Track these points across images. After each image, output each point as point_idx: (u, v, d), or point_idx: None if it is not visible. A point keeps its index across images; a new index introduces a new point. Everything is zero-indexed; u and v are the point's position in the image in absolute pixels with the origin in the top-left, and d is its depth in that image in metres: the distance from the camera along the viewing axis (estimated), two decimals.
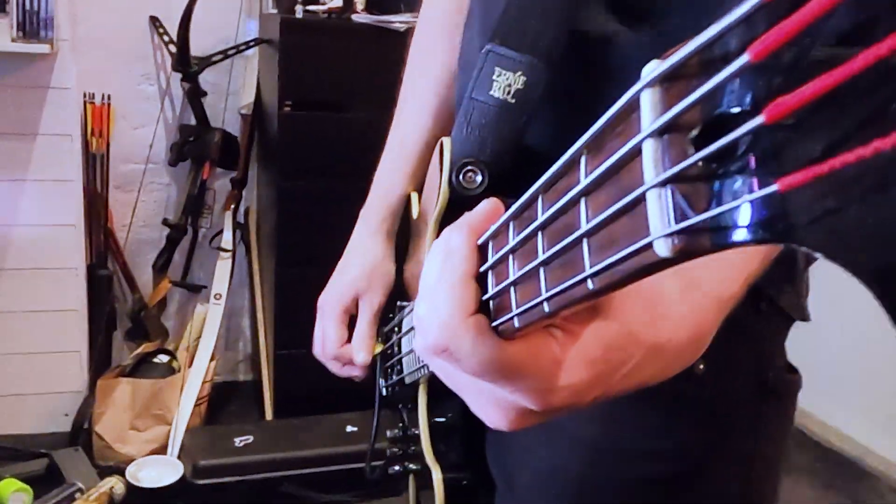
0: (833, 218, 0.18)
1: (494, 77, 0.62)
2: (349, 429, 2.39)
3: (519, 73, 0.62)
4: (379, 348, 0.90)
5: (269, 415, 2.62)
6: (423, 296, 0.42)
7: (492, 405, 0.44)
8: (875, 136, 0.17)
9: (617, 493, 0.70)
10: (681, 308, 0.44)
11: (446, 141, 0.69)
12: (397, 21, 2.40)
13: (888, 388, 2.68)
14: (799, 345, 0.69)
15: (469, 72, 0.65)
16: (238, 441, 2.31)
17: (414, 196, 0.90)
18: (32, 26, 2.26)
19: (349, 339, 0.91)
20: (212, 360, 2.57)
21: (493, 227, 0.39)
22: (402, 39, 2.45)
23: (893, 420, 2.68)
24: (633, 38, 0.60)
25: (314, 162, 2.49)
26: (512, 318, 0.37)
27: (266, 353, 2.72)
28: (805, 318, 0.71)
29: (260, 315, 2.80)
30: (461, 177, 0.66)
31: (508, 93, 0.62)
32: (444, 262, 0.41)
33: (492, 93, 0.63)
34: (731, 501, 0.71)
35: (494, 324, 0.39)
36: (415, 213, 0.89)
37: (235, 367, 3.01)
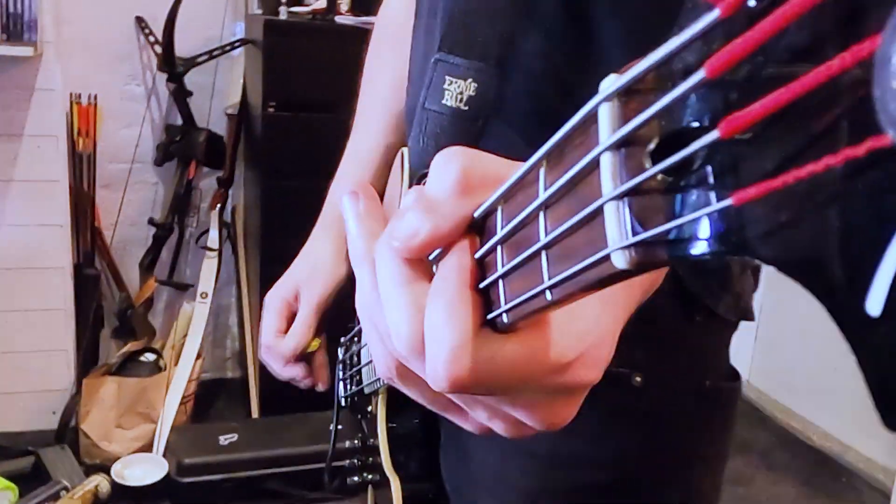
0: (786, 232, 0.19)
1: (445, 86, 0.62)
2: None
3: (469, 79, 0.62)
4: (316, 345, 0.88)
5: (255, 412, 2.65)
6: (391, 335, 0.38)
7: (552, 403, 0.40)
8: (826, 153, 0.17)
9: (563, 502, 0.72)
10: None
11: (406, 152, 0.70)
12: None
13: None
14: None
15: (420, 82, 0.65)
16: (223, 439, 2.33)
17: None
18: (16, 28, 2.27)
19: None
20: (198, 358, 2.59)
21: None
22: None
23: (873, 418, 2.70)
24: (582, 42, 0.60)
25: (299, 162, 2.50)
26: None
27: (252, 350, 2.74)
28: (748, 318, 0.71)
29: (246, 313, 2.82)
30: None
31: (461, 100, 0.62)
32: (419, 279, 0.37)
33: (444, 101, 0.63)
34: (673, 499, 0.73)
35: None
36: None
37: (223, 364, 3.03)
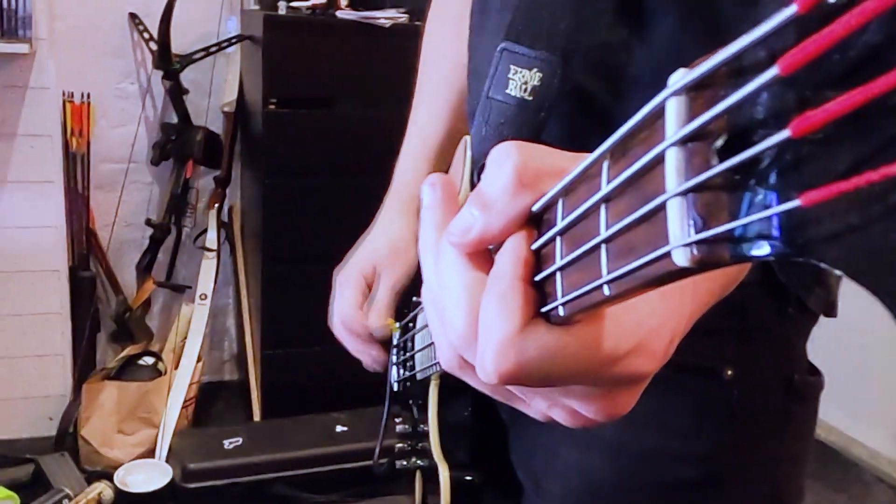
0: (855, 236, 0.18)
1: (510, 76, 0.62)
2: (339, 428, 2.38)
3: (535, 69, 0.62)
4: (395, 326, 0.88)
5: (256, 415, 2.60)
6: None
7: (609, 395, 0.39)
8: None
9: (647, 498, 0.70)
10: None
11: (469, 140, 0.70)
12: (382, 17, 2.38)
13: (873, 379, 2.71)
14: None
15: (482, 73, 0.65)
16: (227, 443, 2.29)
17: None
18: (10, 25, 2.22)
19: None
20: (198, 361, 2.55)
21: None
22: (386, 36, 2.45)
23: (878, 411, 2.71)
24: (638, 40, 0.61)
25: (299, 159, 2.46)
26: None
27: (252, 352, 2.70)
28: (832, 314, 0.71)
29: (246, 314, 2.77)
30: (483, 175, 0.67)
31: (525, 90, 0.62)
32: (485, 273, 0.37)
33: (509, 91, 0.63)
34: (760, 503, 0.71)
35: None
36: None
37: (221, 367, 2.98)
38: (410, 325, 0.85)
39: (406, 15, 2.44)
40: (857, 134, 0.18)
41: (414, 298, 0.87)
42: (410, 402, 0.88)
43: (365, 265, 0.89)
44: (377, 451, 0.95)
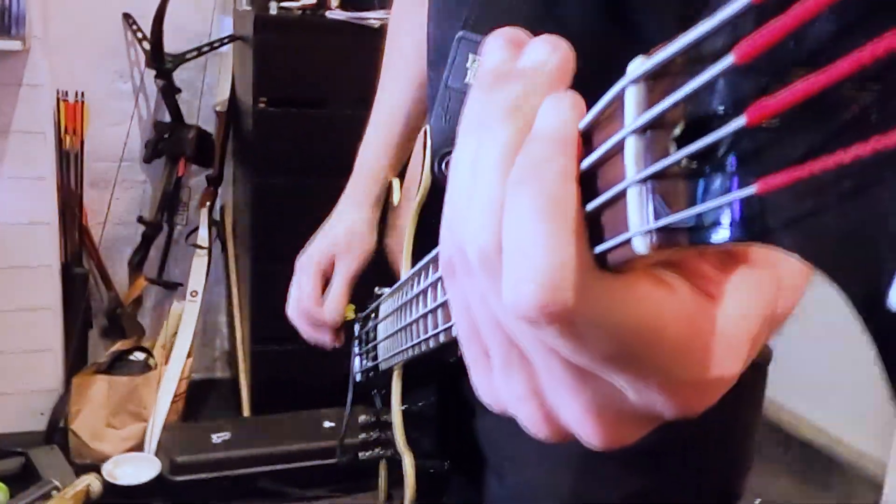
0: (810, 222, 0.19)
1: (468, 65, 0.62)
2: (326, 424, 2.40)
3: None
4: (351, 313, 0.91)
5: (246, 411, 2.62)
6: (479, 223, 0.28)
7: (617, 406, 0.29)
8: (854, 142, 0.17)
9: (610, 467, 0.71)
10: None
11: (428, 130, 0.70)
12: (372, 17, 2.41)
13: (859, 380, 2.72)
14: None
15: (441, 61, 0.65)
16: (216, 437, 2.31)
17: (395, 182, 0.91)
18: (4, 23, 2.25)
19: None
20: (188, 357, 2.57)
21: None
22: (377, 36, 2.47)
23: (864, 412, 2.72)
24: (607, 27, 0.60)
25: (289, 159, 2.49)
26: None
27: (243, 349, 2.72)
28: None
29: (236, 311, 2.80)
30: (443, 165, 0.68)
31: None
32: (530, 156, 0.27)
33: (467, 80, 0.62)
34: (713, 467, 0.73)
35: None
36: (395, 199, 0.90)
37: (212, 363, 3.01)
38: (373, 315, 0.85)
39: None
40: (811, 121, 0.18)
41: (376, 289, 0.88)
42: (373, 392, 0.89)
43: (322, 254, 0.92)
44: (340, 440, 0.96)
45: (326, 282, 0.93)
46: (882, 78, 0.17)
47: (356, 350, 0.92)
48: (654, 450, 0.69)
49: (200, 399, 2.80)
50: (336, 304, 0.90)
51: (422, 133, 0.71)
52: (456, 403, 0.80)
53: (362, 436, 0.88)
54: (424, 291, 0.55)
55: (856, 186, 0.17)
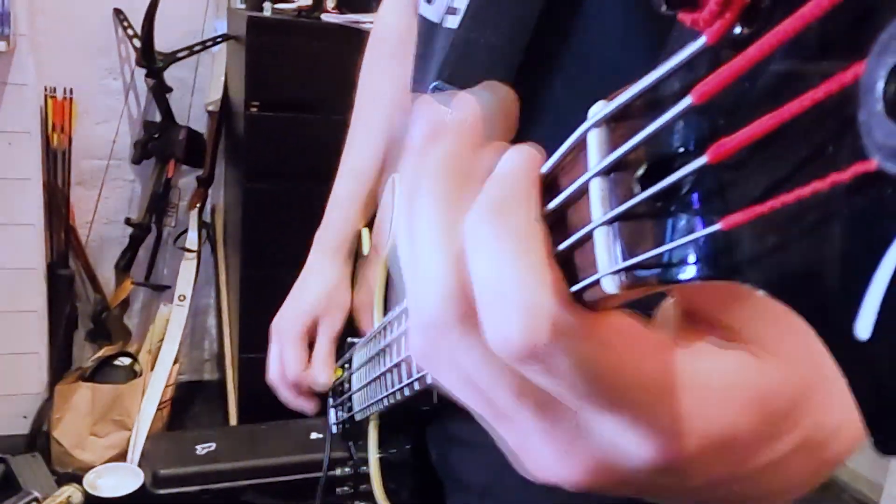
0: (775, 256, 0.19)
1: None
2: (313, 436, 2.35)
3: None
4: (339, 374, 0.88)
5: (233, 418, 2.58)
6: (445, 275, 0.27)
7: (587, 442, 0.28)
8: (813, 177, 0.17)
9: None
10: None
11: (398, 178, 0.67)
12: (368, 21, 2.35)
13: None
14: None
15: None
16: (200, 448, 2.27)
17: (364, 232, 0.89)
18: None
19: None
20: (175, 362, 2.52)
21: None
22: None
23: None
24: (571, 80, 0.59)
25: (281, 163, 2.44)
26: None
27: (231, 355, 2.68)
28: None
29: (225, 315, 2.75)
30: None
31: None
32: (500, 207, 0.26)
33: None
34: None
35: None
36: (365, 249, 0.88)
37: (200, 366, 2.97)
38: (346, 365, 0.84)
39: None
40: (771, 159, 0.19)
41: (348, 339, 0.87)
42: (350, 443, 0.87)
43: (304, 318, 0.88)
44: (319, 496, 0.94)
45: (308, 345, 0.89)
46: (837, 115, 0.17)
47: (331, 402, 0.90)
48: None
49: (189, 403, 2.76)
50: (326, 366, 0.87)
51: (390, 181, 0.71)
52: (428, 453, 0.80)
53: (342, 489, 0.86)
54: (397, 340, 0.55)
55: (816, 221, 0.18)
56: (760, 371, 0.28)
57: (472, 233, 0.26)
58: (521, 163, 0.27)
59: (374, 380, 0.67)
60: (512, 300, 0.25)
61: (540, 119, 0.61)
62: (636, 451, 0.27)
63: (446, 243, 0.27)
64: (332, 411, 0.89)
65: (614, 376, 0.25)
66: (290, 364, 0.88)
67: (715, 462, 0.28)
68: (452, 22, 0.67)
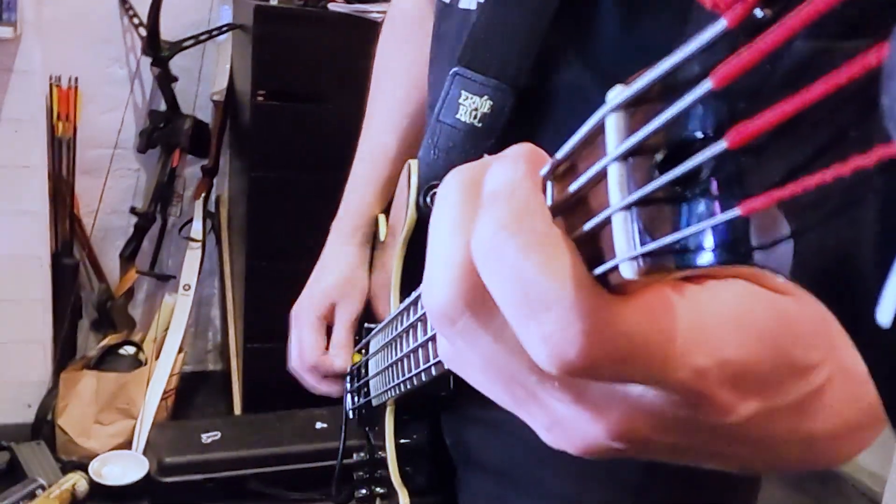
0: (794, 241, 0.19)
1: (461, 100, 0.62)
2: (318, 425, 2.36)
3: (485, 97, 0.61)
4: (357, 359, 0.88)
5: (237, 408, 2.59)
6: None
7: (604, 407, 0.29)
8: (835, 162, 0.17)
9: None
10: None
11: (413, 164, 0.70)
12: (375, 11, 2.34)
13: None
14: None
15: (437, 93, 0.64)
16: (205, 437, 2.28)
17: (381, 218, 0.89)
18: None
19: (327, 349, 0.89)
20: (179, 352, 2.53)
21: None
22: (379, 30, 2.40)
23: None
24: (594, 74, 0.59)
25: (287, 153, 2.43)
26: None
27: (235, 345, 2.68)
28: None
29: (230, 307, 2.75)
30: (428, 199, 0.68)
31: (475, 117, 0.62)
32: (515, 212, 0.27)
33: (458, 116, 0.62)
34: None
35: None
36: (382, 234, 0.88)
37: (204, 356, 2.97)
38: (363, 351, 0.85)
39: None
40: (792, 143, 0.19)
41: (365, 325, 0.87)
42: (367, 428, 0.88)
43: (321, 304, 0.89)
44: (335, 481, 0.94)
45: (326, 330, 0.90)
46: (859, 98, 0.17)
47: (347, 387, 0.90)
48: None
49: (192, 393, 2.77)
50: (344, 350, 0.88)
51: (406, 167, 0.71)
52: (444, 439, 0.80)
53: (358, 474, 0.87)
54: (414, 325, 0.56)
55: (837, 206, 0.17)
56: (772, 300, 0.29)
57: (494, 250, 0.26)
58: (525, 169, 0.28)
59: (391, 365, 0.67)
60: (559, 319, 0.25)
61: (558, 103, 0.62)
62: (662, 392, 0.28)
63: (460, 232, 0.28)
64: (348, 396, 0.90)
65: (647, 349, 0.26)
66: (307, 349, 0.88)
67: (745, 392, 0.28)
68: (467, 2, 0.67)
